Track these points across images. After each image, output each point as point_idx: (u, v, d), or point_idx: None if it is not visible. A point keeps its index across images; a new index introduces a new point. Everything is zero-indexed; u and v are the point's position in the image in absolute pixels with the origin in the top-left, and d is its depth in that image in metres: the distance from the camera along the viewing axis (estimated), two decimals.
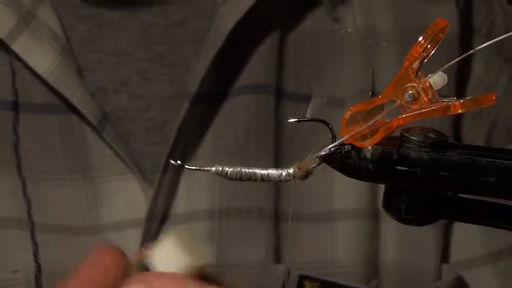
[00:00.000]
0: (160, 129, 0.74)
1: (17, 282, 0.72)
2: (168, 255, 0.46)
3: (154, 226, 0.72)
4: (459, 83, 0.77)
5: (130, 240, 0.72)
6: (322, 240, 0.75)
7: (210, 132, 0.73)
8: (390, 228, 0.75)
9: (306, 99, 0.74)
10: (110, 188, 0.73)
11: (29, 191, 0.73)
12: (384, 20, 0.76)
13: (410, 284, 0.76)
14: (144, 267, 0.51)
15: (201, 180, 0.73)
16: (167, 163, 0.72)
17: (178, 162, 0.41)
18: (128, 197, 0.73)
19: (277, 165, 0.73)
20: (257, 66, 0.74)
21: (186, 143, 0.73)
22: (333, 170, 0.40)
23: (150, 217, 0.72)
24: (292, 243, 0.74)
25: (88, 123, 0.72)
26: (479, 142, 0.78)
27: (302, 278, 0.73)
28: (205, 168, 0.40)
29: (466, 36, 0.77)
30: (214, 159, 0.73)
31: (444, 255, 0.77)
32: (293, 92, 0.75)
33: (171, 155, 0.72)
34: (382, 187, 0.41)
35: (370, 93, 0.40)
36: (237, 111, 0.73)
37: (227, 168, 0.40)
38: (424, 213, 0.40)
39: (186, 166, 0.41)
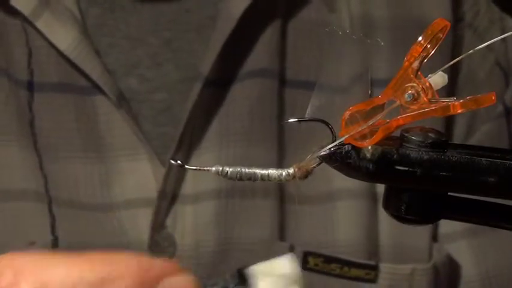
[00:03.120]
0: (167, 111, 0.76)
1: None
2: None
3: (164, 205, 0.74)
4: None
5: (141, 218, 0.74)
6: (323, 221, 0.76)
7: (217, 116, 0.75)
8: None
9: (305, 85, 0.76)
10: (121, 167, 0.75)
11: (44, 166, 0.75)
12: (378, 8, 0.77)
13: (408, 263, 0.76)
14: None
15: (208, 162, 0.74)
16: (179, 143, 0.74)
17: (179, 162, 0.42)
18: (138, 177, 0.75)
19: (280, 149, 0.76)
20: (261, 53, 0.76)
21: (195, 126, 0.74)
22: None
23: (161, 196, 0.74)
24: (294, 225, 0.76)
25: (104, 102, 0.74)
26: (462, 123, 0.79)
27: (306, 254, 0.75)
28: (205, 168, 0.40)
29: (455, 25, 0.78)
30: (220, 141, 0.75)
31: (434, 235, 0.78)
32: (292, 78, 0.77)
33: (182, 137, 0.74)
34: None
35: (369, 92, 0.40)
36: (242, 96, 0.75)
37: (227, 168, 0.40)
38: (424, 213, 0.40)
39: (187, 166, 0.41)
